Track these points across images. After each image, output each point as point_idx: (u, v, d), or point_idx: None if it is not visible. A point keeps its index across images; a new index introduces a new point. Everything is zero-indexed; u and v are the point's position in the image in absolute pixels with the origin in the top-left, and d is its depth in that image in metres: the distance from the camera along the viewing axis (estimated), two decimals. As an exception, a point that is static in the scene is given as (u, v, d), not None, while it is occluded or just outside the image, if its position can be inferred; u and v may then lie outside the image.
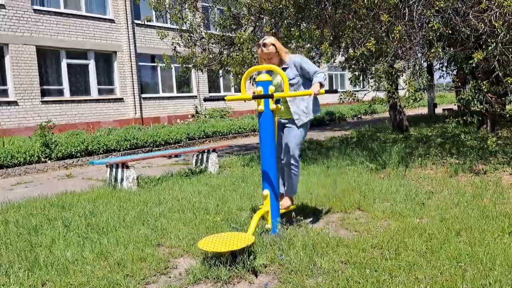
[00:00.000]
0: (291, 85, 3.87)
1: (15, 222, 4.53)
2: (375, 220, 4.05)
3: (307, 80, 3.93)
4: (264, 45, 3.81)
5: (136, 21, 16.94)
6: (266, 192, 3.64)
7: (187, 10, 8.98)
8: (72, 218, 4.57)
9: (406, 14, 6.65)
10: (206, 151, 7.49)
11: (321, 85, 3.70)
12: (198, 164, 7.58)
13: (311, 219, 4.21)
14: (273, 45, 3.82)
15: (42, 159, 9.26)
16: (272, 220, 3.66)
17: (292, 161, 3.98)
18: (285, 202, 4.12)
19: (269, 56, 3.84)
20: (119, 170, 6.22)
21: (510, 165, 6.22)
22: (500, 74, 6.13)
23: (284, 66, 3.90)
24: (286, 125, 4.05)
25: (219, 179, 6.45)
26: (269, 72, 3.89)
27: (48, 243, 3.75)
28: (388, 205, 4.52)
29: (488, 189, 4.97)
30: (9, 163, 8.68)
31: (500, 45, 5.64)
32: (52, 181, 7.75)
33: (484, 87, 6.08)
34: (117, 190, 6.00)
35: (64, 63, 14.86)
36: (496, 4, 5.48)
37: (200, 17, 9.09)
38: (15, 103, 13.46)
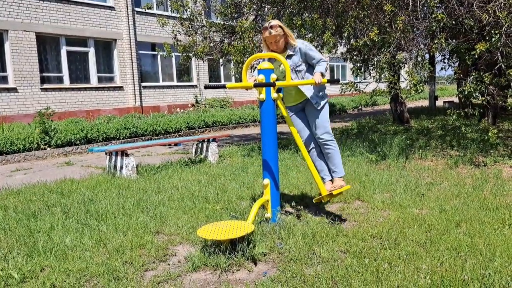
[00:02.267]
0: (298, 71, 3.81)
1: (14, 208, 4.52)
2: (375, 211, 4.04)
3: (310, 67, 3.85)
4: (272, 27, 3.68)
5: (137, 9, 16.81)
6: (267, 181, 3.62)
7: (188, -3, 8.89)
8: (71, 205, 4.56)
9: (410, 4, 6.59)
10: (206, 140, 7.46)
11: (322, 75, 3.65)
12: (198, 153, 7.56)
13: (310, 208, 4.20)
14: (280, 27, 3.71)
15: (42, 146, 9.23)
16: (272, 209, 3.65)
17: (327, 137, 3.81)
18: (338, 182, 3.87)
19: (276, 38, 3.71)
20: (119, 157, 6.20)
21: (511, 157, 6.20)
22: (503, 66, 6.08)
23: (290, 52, 3.81)
24: (305, 108, 3.92)
25: (219, 169, 6.43)
26: (272, 60, 3.84)
27: (47, 229, 3.75)
28: (388, 196, 4.51)
29: (489, 181, 4.96)
30: (8, 149, 8.67)
31: (504, 36, 5.59)
32: (51, 168, 7.74)
33: (486, 79, 6.04)
34: (116, 177, 5.99)
35: (63, 50, 14.76)
36: (501, -6, 5.42)
37: (201, 5, 9.02)
38: (14, 90, 13.39)
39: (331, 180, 3.96)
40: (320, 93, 3.85)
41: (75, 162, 8.34)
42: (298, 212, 3.93)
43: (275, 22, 3.72)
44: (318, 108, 3.81)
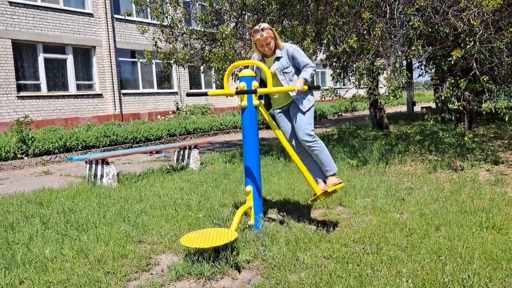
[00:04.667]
0: (285, 73, 3.82)
1: (-10, 220, 4.40)
2: (357, 216, 4.09)
3: (298, 70, 3.86)
4: (263, 29, 3.70)
5: (116, 16, 16.66)
6: (249, 188, 3.63)
7: (168, 4, 8.87)
8: (50, 215, 4.47)
9: (387, 12, 6.73)
10: (187, 147, 7.43)
11: (305, 81, 3.68)
12: (180, 160, 7.52)
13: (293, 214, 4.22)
14: (270, 29, 3.74)
15: (19, 155, 9.03)
16: (255, 216, 3.65)
17: (308, 138, 3.77)
18: (332, 180, 3.84)
19: (267, 41, 3.72)
20: (99, 166, 6.12)
21: (487, 161, 6.36)
22: (477, 72, 6.25)
23: (278, 55, 3.83)
24: (290, 109, 3.92)
25: (201, 176, 6.41)
26: (262, 61, 3.85)
27: (25, 241, 3.67)
28: (369, 201, 4.57)
29: (466, 185, 5.08)
30: (-17, 159, 8.45)
31: (478, 43, 5.75)
32: (29, 178, 7.57)
33: (462, 84, 6.20)
34: (96, 186, 5.90)
35: (41, 57, 14.51)
36: (474, 3, 5.58)
37: (181, 12, 9.00)
38: (-11, 98, 13.08)
39: (324, 181, 3.95)
40: (307, 96, 3.85)
41: (54, 171, 8.18)
42: (281, 219, 3.94)
43: (266, 25, 3.74)
44: (304, 110, 3.81)
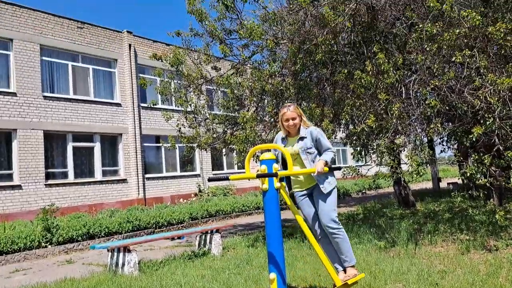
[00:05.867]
0: (308, 153, 3.90)
1: (10, 314, 4.31)
2: (388, 304, 3.84)
3: (319, 153, 3.95)
4: (290, 105, 3.95)
5: (142, 104, 17.51)
6: (273, 275, 3.49)
7: (192, 93, 9.32)
8: (69, 308, 4.35)
9: (403, 92, 6.87)
10: (209, 231, 7.34)
11: (326, 163, 3.71)
12: (201, 245, 7.39)
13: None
14: (297, 108, 3.98)
15: (43, 244, 9.06)
16: (280, 306, 3.47)
17: (332, 225, 3.78)
18: (351, 271, 3.79)
19: (293, 116, 3.92)
20: (121, 254, 6.06)
21: (523, 240, 6.03)
22: (500, 147, 6.17)
23: (302, 135, 3.95)
24: (314, 192, 3.95)
25: (223, 262, 6.24)
26: (285, 140, 3.95)
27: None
28: (401, 286, 4.32)
29: (503, 267, 4.77)
30: (9, 249, 8.49)
31: (497, 119, 5.74)
32: (51, 267, 7.51)
33: (486, 160, 6.09)
34: (118, 275, 5.79)
35: (70, 146, 15.13)
36: (489, 81, 5.66)
37: (204, 99, 9.42)
38: (19, 187, 13.49)
39: (343, 270, 3.84)
40: (329, 178, 3.88)
41: (76, 260, 8.12)
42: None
43: (293, 104, 3.96)
44: (325, 192, 3.81)
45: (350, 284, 3.65)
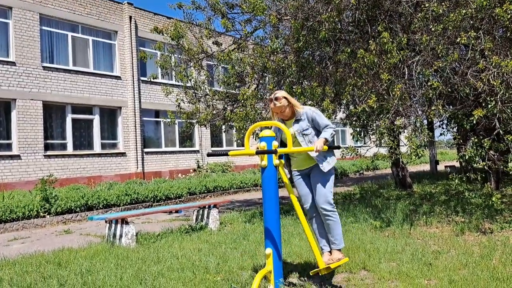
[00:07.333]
0: (305, 135, 3.89)
1: (9, 280, 4.37)
2: (382, 281, 3.89)
3: (318, 132, 3.91)
4: (276, 99, 3.85)
5: (142, 78, 17.40)
6: (269, 250, 3.54)
7: (192, 68, 9.24)
8: (68, 276, 4.42)
9: (406, 73, 6.82)
10: (207, 206, 7.39)
11: (326, 141, 3.69)
12: (199, 220, 7.45)
13: (315, 279, 4.05)
14: (285, 98, 3.87)
15: (41, 214, 9.13)
16: (275, 281, 3.52)
17: (327, 207, 3.80)
18: (336, 255, 3.84)
19: (281, 109, 3.87)
20: (118, 225, 6.11)
21: (518, 223, 6.08)
22: (501, 131, 6.16)
23: (297, 117, 3.93)
24: (311, 173, 3.95)
25: (220, 236, 6.31)
26: (282, 123, 3.91)
27: (41, 304, 3.60)
28: (395, 265, 4.37)
29: (497, 249, 4.83)
30: (7, 217, 8.57)
31: (499, 103, 5.71)
32: (49, 237, 7.59)
33: (485, 144, 6.09)
34: (115, 246, 5.85)
35: (69, 118, 15.09)
36: (493, 64, 5.61)
37: (204, 75, 9.34)
38: (18, 157, 13.51)
39: (329, 251, 3.90)
40: (327, 157, 3.87)
41: (74, 230, 8.20)
42: (302, 284, 3.79)
43: (279, 94, 3.87)
44: (325, 171, 3.81)
45: (333, 267, 3.71)
